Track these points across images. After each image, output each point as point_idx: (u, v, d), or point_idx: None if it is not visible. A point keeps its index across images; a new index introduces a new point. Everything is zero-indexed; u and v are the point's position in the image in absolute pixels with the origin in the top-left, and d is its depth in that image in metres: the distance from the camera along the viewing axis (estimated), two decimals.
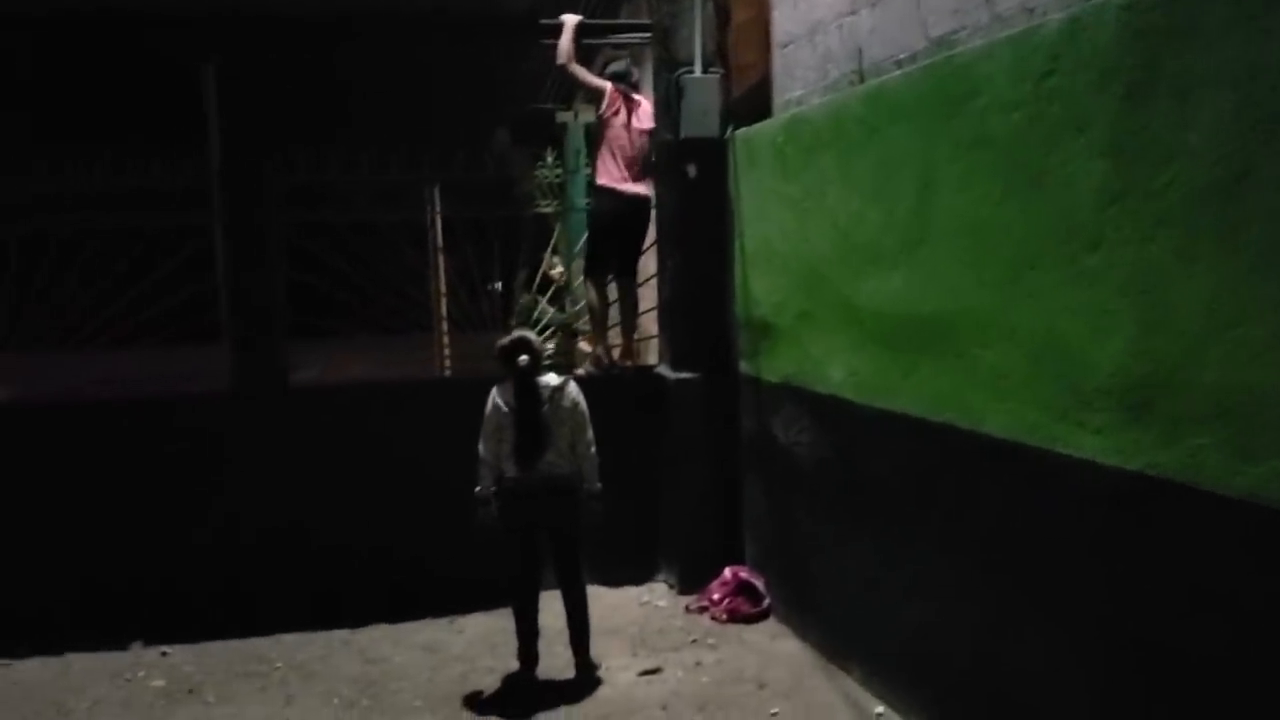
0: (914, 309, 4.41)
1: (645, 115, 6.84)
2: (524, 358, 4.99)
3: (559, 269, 7.44)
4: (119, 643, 5.82)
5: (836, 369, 5.11)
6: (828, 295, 5.17)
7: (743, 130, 6.20)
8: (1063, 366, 3.52)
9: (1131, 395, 3.21)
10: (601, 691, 5.16)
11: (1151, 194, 3.10)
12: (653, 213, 6.91)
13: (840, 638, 5.30)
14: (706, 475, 6.46)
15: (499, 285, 7.93)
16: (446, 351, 6.93)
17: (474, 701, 5.11)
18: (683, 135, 6.41)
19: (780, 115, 5.88)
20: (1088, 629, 3.46)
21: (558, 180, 7.31)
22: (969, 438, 4.04)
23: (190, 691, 5.28)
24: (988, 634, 4.02)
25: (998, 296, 3.84)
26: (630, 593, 6.47)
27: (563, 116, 10.78)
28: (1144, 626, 3.22)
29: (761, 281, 6.00)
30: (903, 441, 4.55)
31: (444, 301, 6.89)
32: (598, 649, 5.43)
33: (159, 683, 5.40)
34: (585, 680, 5.24)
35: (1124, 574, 3.28)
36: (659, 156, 6.75)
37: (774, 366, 5.86)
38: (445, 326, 6.92)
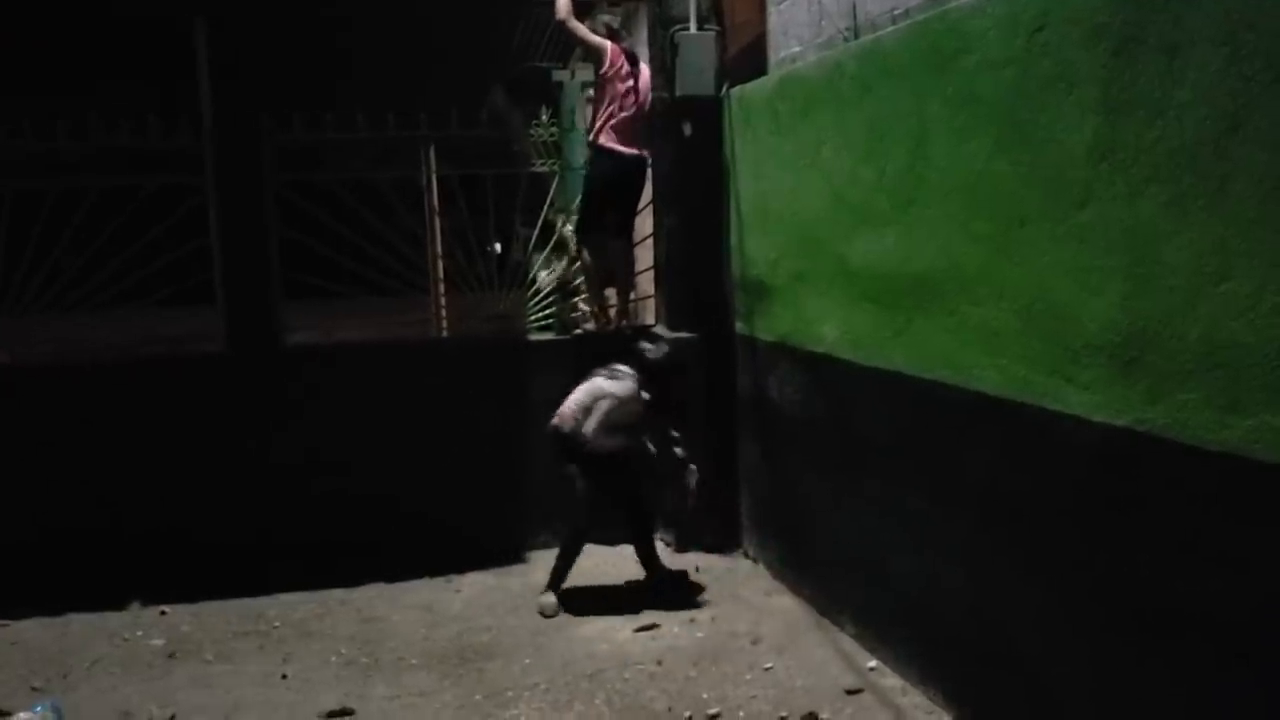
0: (906, 267, 4.41)
1: (645, 80, 6.79)
2: None
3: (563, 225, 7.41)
4: (117, 602, 5.84)
5: (830, 328, 5.12)
6: (821, 254, 5.17)
7: (738, 88, 6.16)
8: (1052, 323, 3.52)
9: (1120, 351, 3.22)
10: (597, 646, 5.20)
11: (1141, 150, 3.09)
12: (649, 172, 6.89)
13: (834, 593, 5.34)
14: (702, 434, 6.47)
15: (497, 246, 7.89)
16: (443, 313, 6.92)
17: (472, 655, 5.16)
18: (678, 93, 6.35)
19: (775, 73, 5.85)
20: (1078, 583, 3.49)
21: (554, 139, 7.27)
22: (961, 394, 4.05)
23: (188, 651, 5.32)
24: (979, 588, 4.05)
25: (988, 254, 3.84)
26: (627, 550, 6.49)
27: (559, 75, 10.72)
28: (1134, 580, 3.24)
29: (757, 241, 5.99)
30: (896, 399, 4.56)
31: (440, 262, 6.86)
32: (597, 606, 5.57)
33: (158, 642, 5.43)
34: (583, 634, 5.31)
35: (1114, 529, 3.30)
36: (655, 115, 6.71)
37: (769, 326, 5.86)
38: (442, 288, 6.90)
